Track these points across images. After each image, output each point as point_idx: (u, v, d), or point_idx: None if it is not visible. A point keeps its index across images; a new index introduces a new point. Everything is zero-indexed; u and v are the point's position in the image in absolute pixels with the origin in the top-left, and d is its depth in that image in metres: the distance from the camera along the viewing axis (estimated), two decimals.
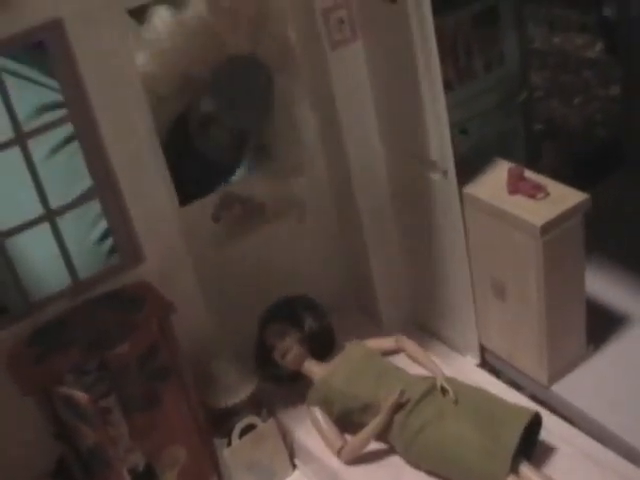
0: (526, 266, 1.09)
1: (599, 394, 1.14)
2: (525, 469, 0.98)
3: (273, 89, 1.13)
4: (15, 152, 0.96)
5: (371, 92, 1.11)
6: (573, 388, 1.15)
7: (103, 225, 1.27)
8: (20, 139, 0.95)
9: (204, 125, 1.11)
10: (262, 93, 1.12)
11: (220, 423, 1.09)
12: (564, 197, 1.08)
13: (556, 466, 1.01)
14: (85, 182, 1.02)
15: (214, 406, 1.09)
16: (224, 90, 1.10)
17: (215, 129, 1.11)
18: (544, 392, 1.15)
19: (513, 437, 0.98)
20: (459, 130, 1.24)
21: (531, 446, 1.02)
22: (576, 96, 1.80)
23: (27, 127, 0.97)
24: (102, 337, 0.98)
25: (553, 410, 1.11)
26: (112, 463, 1.00)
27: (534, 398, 1.12)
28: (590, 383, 1.16)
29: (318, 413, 1.08)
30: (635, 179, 1.52)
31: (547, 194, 1.08)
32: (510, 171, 1.10)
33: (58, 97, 0.99)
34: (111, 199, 1.01)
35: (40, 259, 1.20)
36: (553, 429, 1.06)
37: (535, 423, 1.02)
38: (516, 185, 1.09)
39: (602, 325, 1.21)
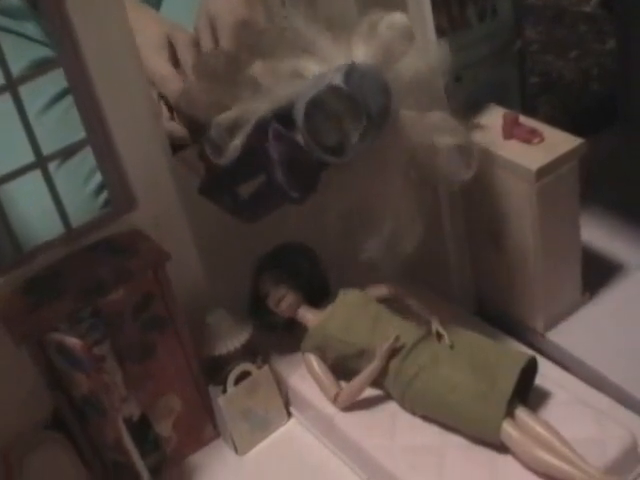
0: (521, 212, 1.08)
1: (594, 341, 1.14)
2: (521, 413, 0.98)
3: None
4: (8, 105, 0.96)
5: None
6: (568, 335, 1.15)
7: (98, 178, 1.27)
8: (10, 85, 0.94)
9: None
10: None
11: (215, 371, 1.09)
12: (559, 142, 1.08)
13: (551, 411, 1.01)
14: (81, 135, 1.01)
15: (208, 354, 1.09)
16: None
17: None
18: (539, 339, 1.15)
19: (509, 381, 0.98)
20: (454, 78, 1.24)
21: (526, 391, 1.02)
22: (572, 50, 1.79)
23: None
24: (96, 284, 0.97)
25: (548, 357, 1.12)
26: (107, 412, 1.00)
27: (530, 345, 1.12)
28: (585, 330, 1.16)
29: (313, 360, 1.08)
30: (630, 132, 1.52)
31: (542, 139, 1.08)
32: (505, 116, 1.09)
33: (52, 53, 0.98)
34: (104, 147, 1.01)
35: (33, 210, 1.20)
36: (548, 375, 1.05)
37: (531, 368, 1.01)
38: (511, 130, 1.09)
39: (598, 273, 1.21)
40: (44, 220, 1.11)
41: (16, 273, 0.99)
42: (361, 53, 0.94)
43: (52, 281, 0.99)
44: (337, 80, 0.90)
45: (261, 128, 0.94)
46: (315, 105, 0.91)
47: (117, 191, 1.03)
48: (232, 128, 0.93)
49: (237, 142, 0.93)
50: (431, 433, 1.02)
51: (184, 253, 1.08)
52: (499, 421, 0.96)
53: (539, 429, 0.96)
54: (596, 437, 0.97)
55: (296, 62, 0.95)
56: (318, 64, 0.95)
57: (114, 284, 0.98)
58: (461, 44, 1.26)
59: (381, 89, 0.93)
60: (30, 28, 1.44)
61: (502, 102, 1.19)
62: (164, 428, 1.08)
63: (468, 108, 1.16)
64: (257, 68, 0.95)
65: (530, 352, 1.05)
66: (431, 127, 0.97)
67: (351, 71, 0.91)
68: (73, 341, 0.94)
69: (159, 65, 1.14)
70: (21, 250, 1.01)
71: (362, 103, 0.91)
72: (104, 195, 1.28)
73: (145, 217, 1.04)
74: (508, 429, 0.96)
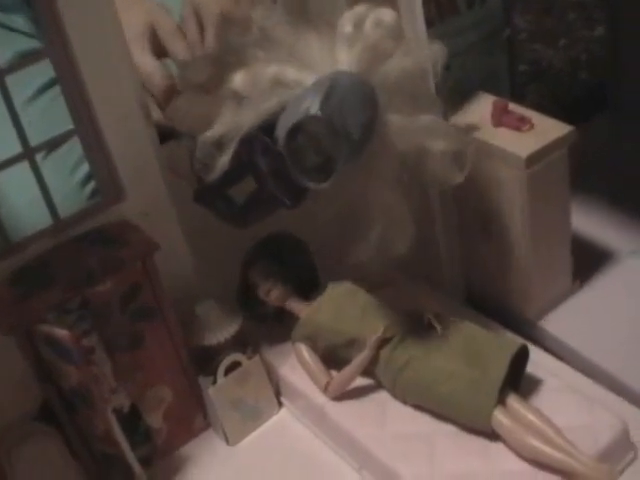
0: (511, 200, 1.08)
1: (585, 329, 1.14)
2: (512, 401, 0.97)
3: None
4: None
5: None
6: (559, 323, 1.16)
7: (86, 168, 1.26)
8: None
9: None
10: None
11: (205, 362, 1.09)
12: (549, 129, 1.08)
13: (543, 399, 1.01)
14: (68, 125, 1.01)
15: (198, 345, 1.09)
16: None
17: None
18: (531, 328, 1.15)
19: (500, 369, 0.97)
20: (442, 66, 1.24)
21: (518, 379, 1.01)
22: (560, 39, 1.79)
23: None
24: (84, 275, 0.97)
25: (540, 345, 1.12)
26: (96, 403, 1.00)
27: (521, 334, 1.12)
28: (576, 318, 1.16)
29: (304, 349, 1.07)
30: (620, 120, 1.52)
31: (532, 126, 1.08)
32: (494, 103, 1.09)
33: (38, 45, 0.97)
34: (92, 137, 1.00)
35: (21, 200, 1.20)
36: (540, 363, 1.05)
37: (522, 355, 1.01)
38: (500, 118, 1.09)
39: (588, 261, 1.22)
40: (31, 211, 1.11)
41: (4, 264, 0.98)
42: (345, 58, 0.91)
43: (40, 272, 0.98)
44: (314, 109, 0.87)
45: (248, 142, 0.93)
46: (295, 132, 0.89)
47: (105, 182, 1.03)
48: (218, 144, 0.93)
49: (225, 158, 0.92)
50: (422, 421, 1.02)
51: (173, 244, 1.07)
52: (490, 409, 0.96)
53: (531, 417, 0.96)
54: (588, 425, 0.97)
55: (278, 69, 0.92)
56: (300, 70, 0.92)
57: (102, 275, 0.97)
58: (449, 31, 1.26)
59: (366, 103, 0.90)
60: (18, 20, 1.43)
61: (491, 90, 1.19)
62: (154, 419, 1.08)
63: (457, 96, 1.15)
64: (238, 79, 0.93)
65: (521, 340, 1.05)
66: (422, 131, 0.95)
67: (329, 95, 0.87)
68: (62, 332, 0.94)
69: (142, 61, 1.13)
70: (9, 241, 1.00)
71: (341, 129, 0.87)
72: (91, 185, 1.27)
73: (134, 208, 1.04)
74: (499, 417, 0.96)
